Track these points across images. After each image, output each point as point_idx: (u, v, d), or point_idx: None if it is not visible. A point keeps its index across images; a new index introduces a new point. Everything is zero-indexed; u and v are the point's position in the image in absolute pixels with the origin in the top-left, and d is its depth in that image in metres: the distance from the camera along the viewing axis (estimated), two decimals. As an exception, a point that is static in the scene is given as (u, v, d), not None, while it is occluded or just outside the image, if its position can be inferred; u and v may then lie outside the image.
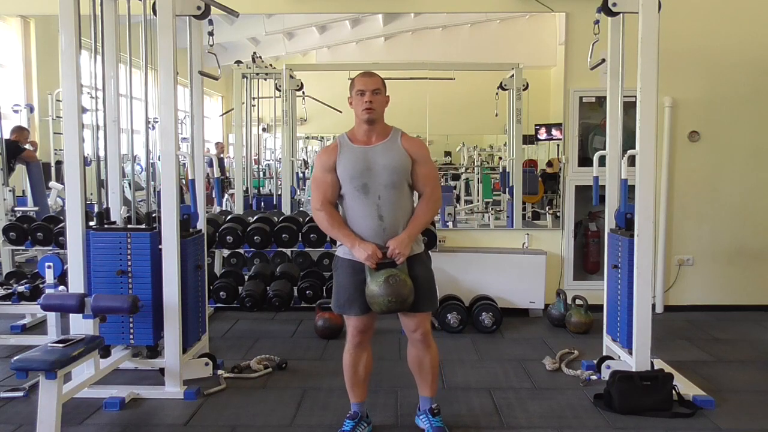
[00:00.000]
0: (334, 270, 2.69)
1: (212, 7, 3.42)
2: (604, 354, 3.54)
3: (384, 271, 2.48)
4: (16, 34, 5.65)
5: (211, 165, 6.15)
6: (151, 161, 3.73)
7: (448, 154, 6.28)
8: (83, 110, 3.22)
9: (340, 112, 6.12)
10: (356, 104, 2.57)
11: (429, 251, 2.79)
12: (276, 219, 4.92)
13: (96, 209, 3.32)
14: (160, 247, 3.21)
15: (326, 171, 2.59)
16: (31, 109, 5.61)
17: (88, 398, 3.07)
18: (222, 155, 6.62)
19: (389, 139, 2.60)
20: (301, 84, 5.87)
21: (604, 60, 3.52)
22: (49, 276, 3.81)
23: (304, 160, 6.46)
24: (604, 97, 3.62)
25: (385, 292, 2.44)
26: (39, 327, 4.31)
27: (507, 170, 5.47)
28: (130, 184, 3.52)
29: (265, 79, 5.96)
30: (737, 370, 3.66)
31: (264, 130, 6.36)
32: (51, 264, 3.80)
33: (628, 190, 3.32)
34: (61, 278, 3.80)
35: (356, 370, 2.70)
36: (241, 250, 5.20)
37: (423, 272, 2.62)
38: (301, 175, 6.31)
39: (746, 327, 4.55)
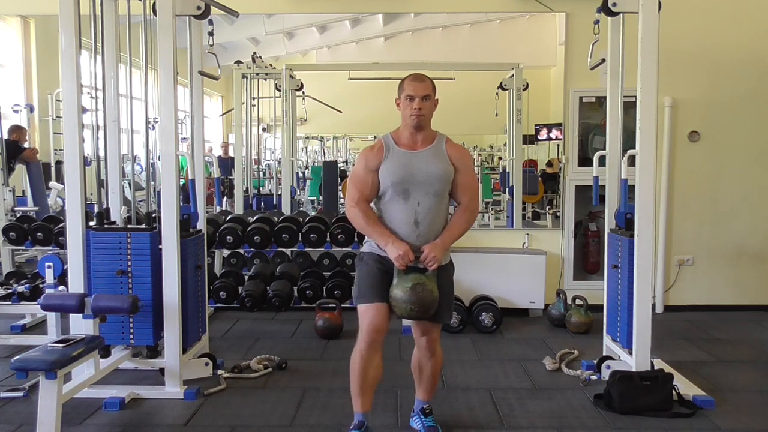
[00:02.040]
0: (359, 262, 2.61)
1: (212, 7, 3.42)
2: (604, 354, 3.54)
3: (412, 277, 2.43)
4: (16, 34, 5.66)
5: (210, 165, 6.14)
6: (151, 161, 3.72)
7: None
8: (83, 110, 3.22)
9: (340, 112, 6.14)
10: (404, 108, 2.52)
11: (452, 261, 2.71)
12: (276, 219, 4.92)
13: (96, 209, 3.31)
14: (160, 247, 3.21)
15: (369, 170, 2.53)
16: (31, 109, 5.61)
17: (88, 398, 3.07)
18: (226, 156, 6.60)
19: (434, 145, 2.56)
20: (301, 84, 5.87)
21: (604, 60, 3.52)
22: (49, 276, 3.81)
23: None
24: (604, 97, 3.62)
25: (409, 299, 2.39)
26: (39, 327, 4.31)
27: (507, 170, 5.47)
28: (130, 184, 3.52)
29: (265, 79, 5.96)
30: (737, 370, 3.66)
31: (264, 130, 6.36)
32: (51, 264, 3.80)
33: (628, 190, 3.32)
34: (61, 278, 3.80)
35: (366, 373, 2.51)
36: (241, 250, 5.20)
37: (446, 284, 2.57)
38: (301, 175, 6.31)
39: (746, 327, 4.55)
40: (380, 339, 2.50)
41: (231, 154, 6.58)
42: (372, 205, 2.61)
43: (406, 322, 4.23)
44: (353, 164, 5.76)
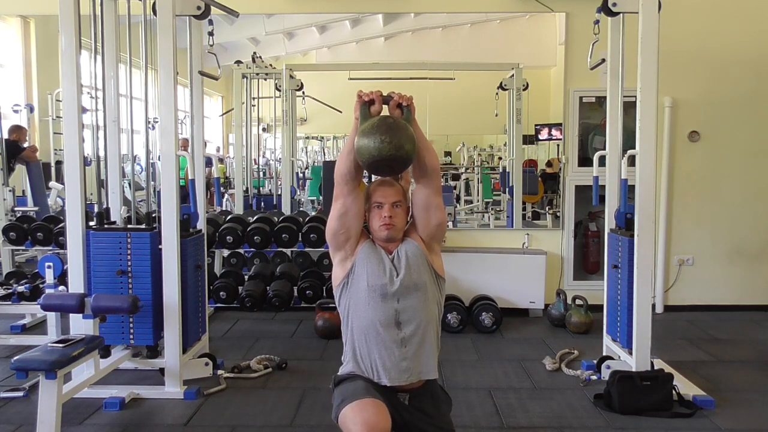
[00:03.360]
0: (337, 384, 2.18)
1: (212, 7, 3.42)
2: (604, 354, 3.54)
3: (381, 116, 1.99)
4: (16, 34, 5.66)
5: (210, 164, 6.15)
6: (151, 161, 3.72)
7: (448, 154, 6.28)
8: (83, 110, 3.22)
9: (340, 112, 6.13)
10: (373, 219, 2.11)
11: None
12: (276, 219, 4.92)
13: (96, 209, 3.32)
14: (160, 247, 3.21)
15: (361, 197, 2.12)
16: (31, 109, 5.61)
17: (88, 398, 3.07)
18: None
19: (405, 241, 2.16)
20: (301, 84, 5.87)
21: (604, 60, 3.52)
22: (49, 276, 3.81)
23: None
24: (604, 97, 3.62)
25: (378, 129, 1.91)
26: (39, 327, 4.31)
27: (507, 170, 5.47)
28: (130, 184, 3.52)
29: (265, 79, 5.96)
30: (737, 370, 3.66)
31: (264, 130, 6.36)
32: (51, 264, 3.80)
33: (628, 190, 3.32)
34: (61, 278, 3.80)
35: None
36: (241, 250, 5.20)
37: (445, 425, 2.14)
38: (301, 175, 6.31)
39: (746, 327, 4.55)
40: None
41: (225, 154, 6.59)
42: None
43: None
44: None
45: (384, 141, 1.90)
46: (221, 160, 6.90)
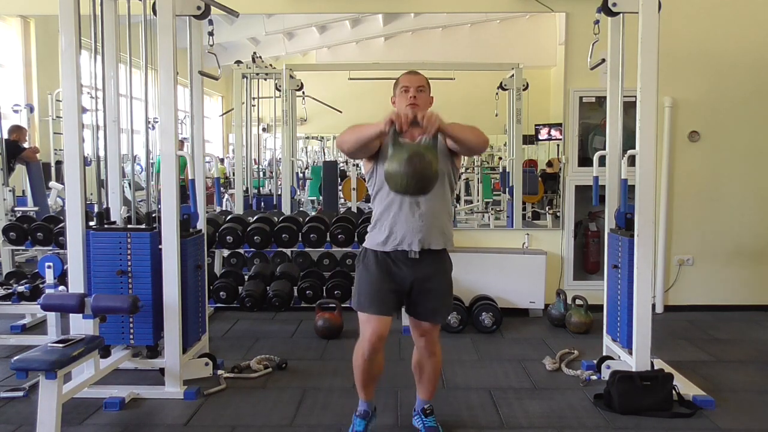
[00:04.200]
0: (359, 263, 2.59)
1: (212, 7, 3.42)
2: (604, 354, 3.54)
3: (409, 147, 2.25)
4: (16, 34, 5.66)
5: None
6: (151, 161, 3.73)
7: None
8: (83, 110, 3.22)
9: (340, 112, 6.14)
10: (399, 101, 2.52)
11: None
12: (276, 219, 4.92)
13: (96, 209, 3.31)
14: (160, 247, 3.21)
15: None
16: (31, 109, 5.62)
17: (88, 398, 3.07)
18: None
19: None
20: (301, 84, 5.87)
21: (604, 60, 3.52)
22: (49, 276, 3.81)
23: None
24: (604, 97, 3.62)
25: (406, 171, 2.21)
26: (39, 327, 4.31)
27: (507, 170, 5.47)
28: (130, 184, 3.52)
29: (265, 79, 5.96)
30: (737, 370, 3.66)
31: (264, 130, 6.36)
32: (51, 264, 3.80)
33: (628, 190, 3.32)
34: (61, 278, 3.80)
35: (369, 371, 2.58)
36: (241, 250, 5.20)
37: (444, 283, 2.58)
38: (301, 175, 6.32)
39: (746, 327, 4.55)
40: (382, 344, 2.53)
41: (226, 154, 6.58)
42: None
43: (406, 322, 4.24)
44: (353, 164, 5.79)
45: (410, 184, 2.24)
46: (222, 161, 6.91)
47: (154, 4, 3.10)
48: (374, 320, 2.48)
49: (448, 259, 2.64)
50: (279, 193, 5.96)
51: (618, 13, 3.35)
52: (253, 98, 5.99)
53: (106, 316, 3.01)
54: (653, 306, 3.78)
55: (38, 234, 4.56)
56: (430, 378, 2.74)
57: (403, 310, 2.71)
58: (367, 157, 2.53)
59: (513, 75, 5.30)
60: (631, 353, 3.23)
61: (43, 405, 2.49)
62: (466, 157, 4.90)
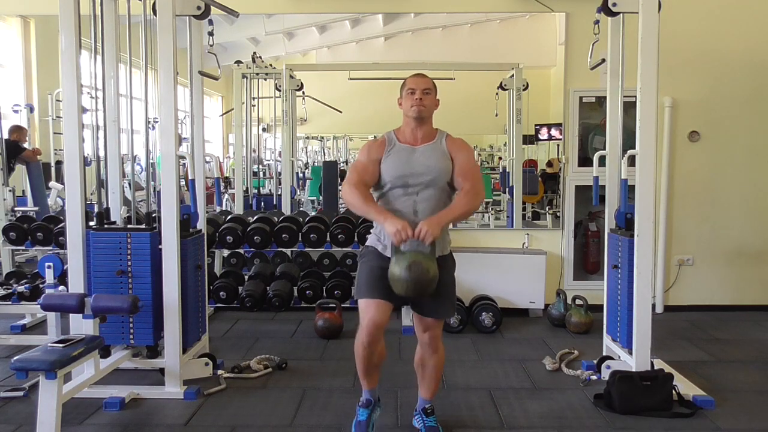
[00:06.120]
0: (361, 258, 2.67)
1: (212, 7, 3.42)
2: (604, 354, 3.54)
3: (409, 255, 2.42)
4: (16, 34, 5.65)
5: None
6: (151, 161, 3.73)
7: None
8: (83, 110, 3.22)
9: (340, 112, 6.13)
10: (405, 102, 2.61)
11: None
12: (276, 219, 4.92)
13: (96, 209, 3.31)
14: (160, 247, 3.21)
15: (371, 160, 2.61)
16: (31, 109, 5.61)
17: (88, 398, 3.07)
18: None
19: (434, 141, 2.63)
20: (301, 84, 5.87)
21: (604, 60, 3.52)
22: (49, 276, 3.81)
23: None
24: (604, 97, 3.62)
25: (406, 278, 2.39)
26: (39, 327, 4.31)
27: (507, 170, 5.47)
28: (130, 184, 3.52)
29: (265, 79, 5.96)
30: (737, 370, 3.66)
31: (264, 130, 6.36)
32: (51, 264, 3.80)
33: (628, 190, 3.32)
34: (61, 278, 3.80)
35: (370, 360, 2.60)
36: (241, 250, 5.20)
37: (447, 279, 2.60)
38: (301, 175, 6.31)
39: (746, 327, 4.55)
40: (380, 333, 2.56)
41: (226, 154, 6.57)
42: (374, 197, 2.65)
43: (406, 322, 4.24)
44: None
45: (410, 289, 2.40)
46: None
47: (154, 4, 3.10)
48: (372, 306, 2.50)
49: (451, 257, 2.68)
50: (279, 193, 5.96)
51: (618, 13, 3.35)
52: (253, 98, 5.98)
53: (106, 316, 3.00)
54: (653, 306, 3.78)
55: (38, 234, 4.56)
56: (433, 376, 2.74)
57: (403, 309, 2.73)
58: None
59: (513, 75, 5.30)
60: (631, 353, 3.23)
61: (43, 405, 2.49)
62: None
